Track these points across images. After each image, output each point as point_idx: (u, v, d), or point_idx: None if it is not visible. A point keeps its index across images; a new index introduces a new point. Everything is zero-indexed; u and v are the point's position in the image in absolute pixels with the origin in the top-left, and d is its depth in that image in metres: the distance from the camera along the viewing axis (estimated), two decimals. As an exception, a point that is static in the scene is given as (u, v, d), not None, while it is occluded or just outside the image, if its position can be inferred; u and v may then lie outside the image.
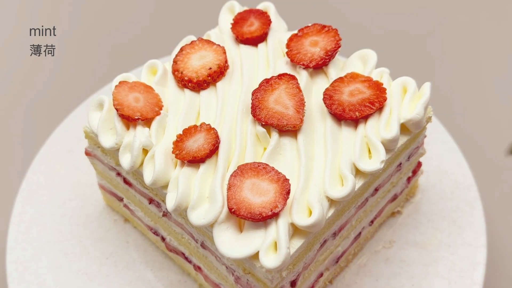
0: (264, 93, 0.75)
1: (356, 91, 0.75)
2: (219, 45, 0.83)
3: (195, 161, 0.71)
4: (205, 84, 0.80)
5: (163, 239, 0.86)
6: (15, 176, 1.05)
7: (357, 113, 0.74)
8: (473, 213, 0.92)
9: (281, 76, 0.77)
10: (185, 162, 0.71)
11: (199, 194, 0.68)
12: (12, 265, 0.87)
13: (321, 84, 0.80)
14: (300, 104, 0.74)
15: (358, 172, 0.72)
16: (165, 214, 0.80)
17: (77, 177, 0.99)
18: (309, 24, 0.84)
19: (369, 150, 0.73)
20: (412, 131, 0.77)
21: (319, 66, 0.80)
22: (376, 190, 0.81)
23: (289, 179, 0.66)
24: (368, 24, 1.42)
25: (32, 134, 1.18)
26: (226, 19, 0.91)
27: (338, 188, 0.69)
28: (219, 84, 0.80)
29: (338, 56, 0.83)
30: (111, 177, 0.87)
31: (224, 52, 0.82)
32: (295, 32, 0.84)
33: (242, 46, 0.87)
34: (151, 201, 0.82)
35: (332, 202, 0.69)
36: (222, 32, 0.90)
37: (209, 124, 0.73)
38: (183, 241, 0.81)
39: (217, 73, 0.81)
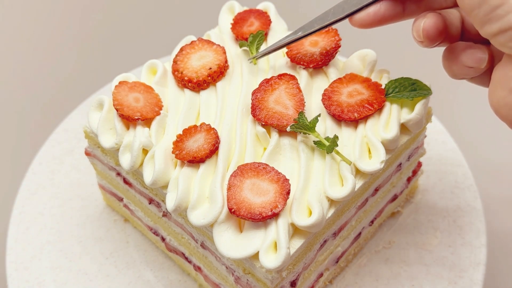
0: (264, 93, 0.75)
1: (355, 92, 0.75)
2: (219, 45, 0.83)
3: (195, 161, 0.70)
4: (205, 84, 0.80)
5: (163, 239, 0.86)
6: (15, 176, 1.05)
7: (355, 114, 0.73)
8: (473, 213, 0.92)
9: (281, 76, 0.76)
10: (185, 162, 0.71)
11: (199, 194, 0.68)
12: (12, 265, 0.87)
13: (321, 84, 0.80)
14: (300, 104, 0.74)
15: (358, 172, 0.72)
16: (165, 214, 0.80)
17: (77, 177, 0.99)
18: (309, 24, 0.83)
19: (369, 150, 0.73)
20: (412, 131, 0.76)
21: (319, 66, 0.80)
22: (376, 190, 0.81)
23: (289, 179, 0.66)
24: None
25: (32, 134, 1.18)
26: (226, 19, 0.91)
27: (338, 188, 0.69)
28: (219, 84, 0.80)
29: (338, 56, 0.83)
30: (111, 177, 0.87)
31: (224, 52, 0.82)
32: (295, 32, 0.84)
33: (242, 46, 0.87)
34: (151, 201, 0.82)
35: (332, 202, 0.69)
36: (222, 32, 0.90)
37: (209, 124, 0.73)
38: (183, 241, 0.81)
39: (217, 73, 0.81)
